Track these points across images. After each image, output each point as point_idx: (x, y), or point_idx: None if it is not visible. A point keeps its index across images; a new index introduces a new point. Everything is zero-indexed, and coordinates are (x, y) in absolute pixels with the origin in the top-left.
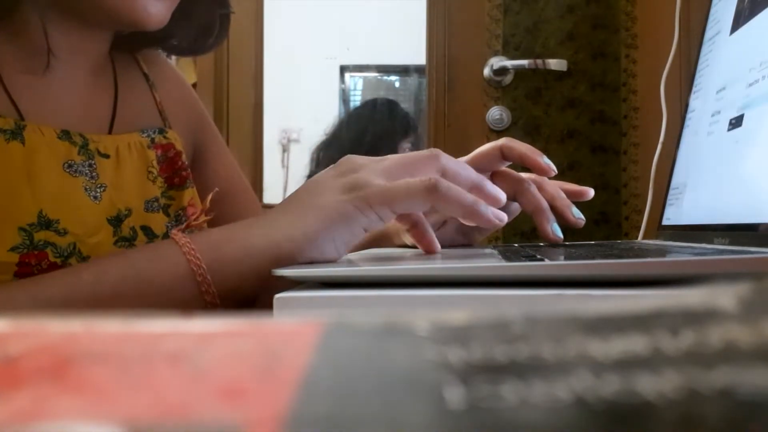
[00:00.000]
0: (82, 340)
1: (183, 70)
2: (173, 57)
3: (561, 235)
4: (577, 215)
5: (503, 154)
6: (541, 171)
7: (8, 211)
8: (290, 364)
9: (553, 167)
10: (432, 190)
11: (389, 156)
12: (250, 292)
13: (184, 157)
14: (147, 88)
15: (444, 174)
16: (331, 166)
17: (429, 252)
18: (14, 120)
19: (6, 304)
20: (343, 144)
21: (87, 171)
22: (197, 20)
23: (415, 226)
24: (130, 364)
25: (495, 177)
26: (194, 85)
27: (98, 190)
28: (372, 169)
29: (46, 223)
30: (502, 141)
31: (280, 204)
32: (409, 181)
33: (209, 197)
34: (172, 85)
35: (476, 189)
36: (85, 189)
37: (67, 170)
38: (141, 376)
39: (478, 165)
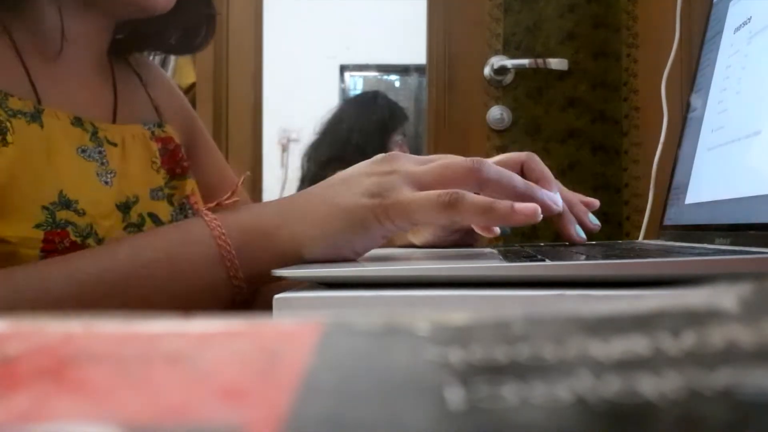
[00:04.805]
0: (82, 340)
1: (182, 70)
2: (172, 58)
3: (584, 236)
4: (594, 222)
5: (522, 169)
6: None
7: (32, 189)
8: (290, 364)
9: (560, 206)
10: (448, 207)
11: (432, 158)
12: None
13: (183, 149)
14: (141, 86)
15: (484, 188)
16: (373, 158)
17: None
18: (33, 103)
19: (42, 281)
20: (332, 144)
21: (98, 157)
22: (184, 20)
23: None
24: (129, 364)
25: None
26: (193, 85)
27: (109, 175)
28: (405, 175)
29: (66, 203)
30: (525, 156)
31: (310, 191)
32: (429, 195)
33: (242, 178)
34: (162, 86)
35: (523, 197)
36: (97, 174)
37: (81, 154)
38: (140, 376)
39: None
